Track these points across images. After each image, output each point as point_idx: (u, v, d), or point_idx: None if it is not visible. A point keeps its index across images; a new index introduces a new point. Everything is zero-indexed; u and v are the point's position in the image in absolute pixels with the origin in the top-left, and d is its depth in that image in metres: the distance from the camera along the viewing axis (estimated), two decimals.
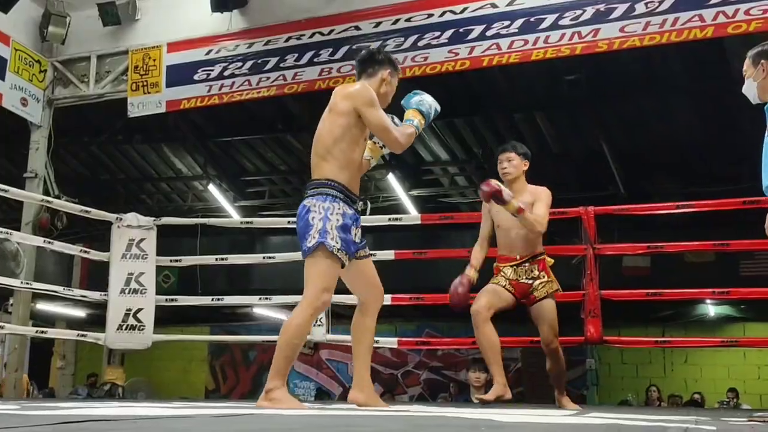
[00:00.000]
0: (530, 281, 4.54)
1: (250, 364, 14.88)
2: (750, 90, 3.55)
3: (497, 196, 4.27)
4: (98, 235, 9.68)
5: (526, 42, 6.31)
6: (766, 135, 3.40)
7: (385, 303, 5.82)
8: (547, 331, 4.53)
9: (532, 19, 6.28)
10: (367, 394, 3.57)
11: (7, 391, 6.47)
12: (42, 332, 5.88)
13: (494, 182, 4.34)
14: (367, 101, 3.45)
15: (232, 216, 11.16)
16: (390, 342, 6.31)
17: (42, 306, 11.26)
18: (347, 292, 5.73)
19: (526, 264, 4.56)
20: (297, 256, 5.95)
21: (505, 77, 8.16)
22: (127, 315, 5.85)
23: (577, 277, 5.21)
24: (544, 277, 4.54)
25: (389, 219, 6.04)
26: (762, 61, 3.49)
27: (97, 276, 9.18)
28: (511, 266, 4.57)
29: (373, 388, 3.67)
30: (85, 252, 6.00)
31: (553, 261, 4.67)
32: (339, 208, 3.39)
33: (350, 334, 3.81)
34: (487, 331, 4.43)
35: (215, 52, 6.98)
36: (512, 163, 4.66)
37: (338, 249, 3.34)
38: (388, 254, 5.77)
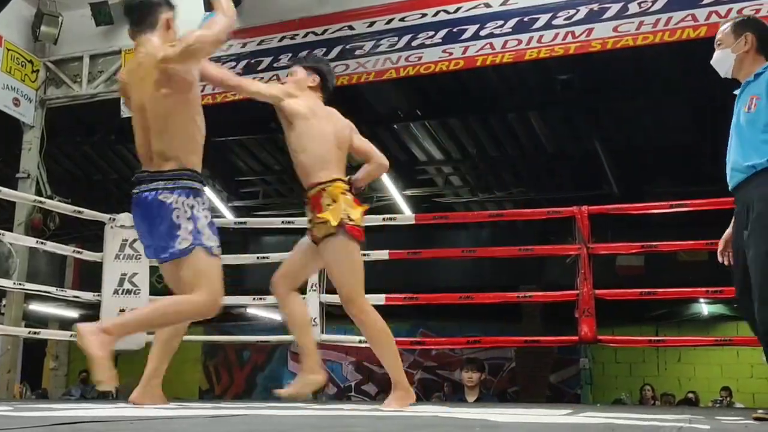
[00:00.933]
0: (309, 224, 3.68)
1: (243, 364, 14.85)
2: (724, 62, 3.26)
3: None
4: (90, 236, 9.63)
5: (520, 42, 6.32)
6: (739, 113, 3.17)
7: (379, 303, 5.88)
8: (338, 287, 3.57)
9: (525, 19, 6.29)
10: (150, 395, 3.52)
11: (0, 392, 6.44)
12: (35, 333, 5.85)
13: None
14: (184, 54, 2.97)
15: (226, 216, 11.13)
16: None
17: (34, 307, 11.22)
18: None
19: (306, 204, 3.72)
20: (285, 256, 5.99)
21: (499, 77, 8.16)
22: (120, 315, 5.83)
23: (572, 277, 5.21)
24: (315, 217, 3.61)
25: (383, 219, 6.03)
26: (747, 33, 3.20)
27: (89, 276, 9.13)
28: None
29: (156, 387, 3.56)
30: (78, 252, 5.98)
31: (344, 188, 3.66)
32: (204, 203, 3.09)
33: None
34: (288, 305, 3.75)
35: None
36: (294, 77, 3.82)
37: (217, 247, 3.07)
38: (382, 254, 5.77)
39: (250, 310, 13.47)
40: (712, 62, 3.34)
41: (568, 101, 8.41)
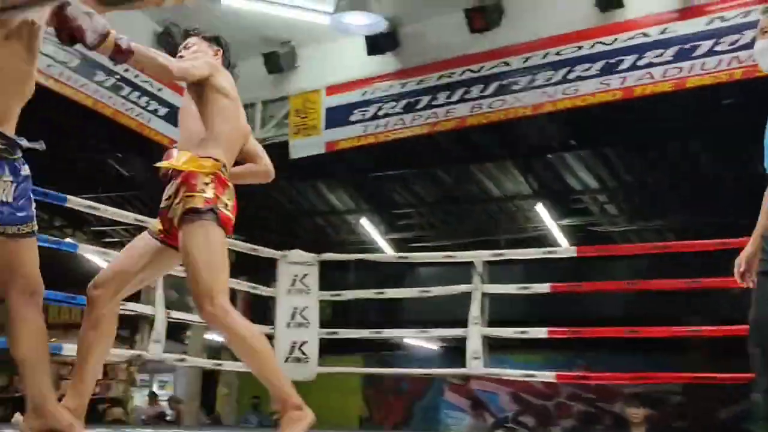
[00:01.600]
0: (166, 203, 2.86)
1: (402, 393, 15.07)
2: None
3: (75, 37, 2.43)
4: (248, 268, 10.03)
5: (681, 69, 6.24)
6: None
7: (540, 336, 5.88)
8: (191, 288, 2.72)
9: (686, 46, 6.20)
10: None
11: (188, 419, 6.91)
12: (218, 365, 6.28)
13: (72, 16, 2.40)
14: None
15: (383, 248, 11.46)
16: (547, 376, 6.29)
17: (209, 336, 11.93)
18: (508, 323, 5.81)
19: (173, 179, 2.86)
20: (453, 289, 6.12)
21: (658, 104, 8.02)
22: (293, 347, 6.13)
23: (740, 308, 5.02)
24: (184, 192, 2.76)
25: (544, 252, 6.06)
26: None
27: (257, 308, 9.65)
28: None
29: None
30: (254, 288, 6.37)
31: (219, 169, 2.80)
32: None
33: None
34: (85, 323, 2.81)
35: (370, 93, 7.30)
36: (190, 50, 3.07)
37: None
38: (543, 287, 5.78)
39: (407, 340, 13.70)
40: (754, 52, 2.95)
41: (731, 126, 8.12)
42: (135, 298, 5.23)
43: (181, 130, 3.05)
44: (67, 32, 2.42)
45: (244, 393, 12.92)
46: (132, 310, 5.18)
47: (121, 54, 2.56)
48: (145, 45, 2.87)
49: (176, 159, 2.84)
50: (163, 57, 2.77)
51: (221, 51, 3.14)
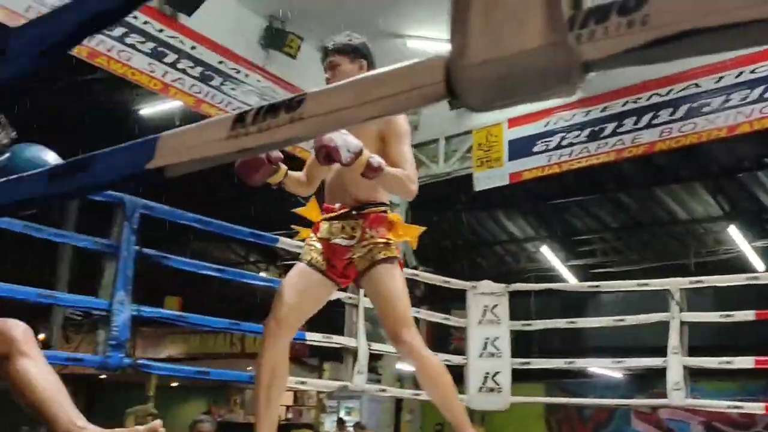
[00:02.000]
0: (347, 242, 2.94)
1: (585, 421, 14.75)
2: None
3: (332, 156, 2.55)
4: (429, 299, 10.17)
5: None
6: None
7: (746, 366, 5.61)
8: (386, 321, 2.88)
9: None
10: None
11: None
12: (416, 394, 6.44)
13: (329, 137, 2.54)
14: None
15: (564, 275, 11.33)
16: (755, 407, 6.00)
17: (399, 366, 12.23)
18: (700, 349, 5.58)
19: (349, 219, 2.96)
20: (649, 318, 5.97)
21: None
22: (485, 378, 6.20)
23: None
24: (372, 237, 2.90)
25: (747, 279, 5.79)
26: None
27: (439, 337, 9.82)
28: (328, 220, 3.01)
29: None
30: (446, 319, 6.50)
31: (401, 219, 3.10)
32: None
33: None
34: (267, 355, 2.82)
35: (553, 123, 7.33)
36: (340, 69, 2.93)
37: None
38: (747, 315, 5.54)
39: (590, 367, 13.40)
40: None
41: None
42: (339, 330, 5.51)
43: (343, 171, 2.84)
44: (325, 152, 2.53)
45: (428, 420, 13.10)
46: (337, 343, 5.45)
47: (372, 171, 2.65)
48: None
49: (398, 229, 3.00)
50: (406, 177, 2.84)
51: (366, 62, 2.97)
